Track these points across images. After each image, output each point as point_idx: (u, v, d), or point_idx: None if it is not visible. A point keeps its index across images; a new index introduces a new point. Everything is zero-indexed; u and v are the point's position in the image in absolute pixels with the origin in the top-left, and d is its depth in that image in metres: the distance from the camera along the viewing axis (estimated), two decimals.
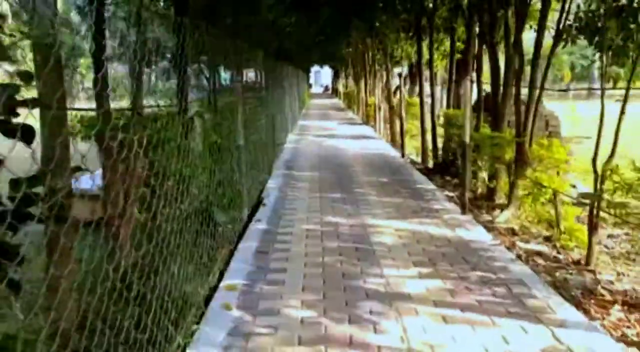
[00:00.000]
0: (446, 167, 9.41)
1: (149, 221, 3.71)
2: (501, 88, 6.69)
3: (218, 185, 5.28)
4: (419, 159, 12.14)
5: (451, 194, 7.51)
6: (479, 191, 7.81)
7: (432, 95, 10.20)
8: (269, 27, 13.52)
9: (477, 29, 8.00)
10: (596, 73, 55.70)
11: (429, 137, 10.71)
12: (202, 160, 5.52)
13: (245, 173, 5.92)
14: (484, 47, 7.35)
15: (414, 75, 19.65)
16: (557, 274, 4.26)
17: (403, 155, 10.63)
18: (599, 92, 4.71)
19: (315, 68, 57.19)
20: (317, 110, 27.95)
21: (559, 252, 4.86)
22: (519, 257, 4.56)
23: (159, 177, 4.22)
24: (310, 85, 59.25)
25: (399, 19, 11.44)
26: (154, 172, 4.23)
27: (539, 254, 4.72)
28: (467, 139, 5.84)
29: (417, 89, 18.57)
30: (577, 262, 4.58)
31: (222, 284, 3.85)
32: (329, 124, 18.80)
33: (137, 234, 3.70)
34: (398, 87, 23.86)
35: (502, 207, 6.51)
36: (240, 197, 5.68)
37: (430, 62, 9.91)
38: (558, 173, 6.40)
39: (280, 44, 16.16)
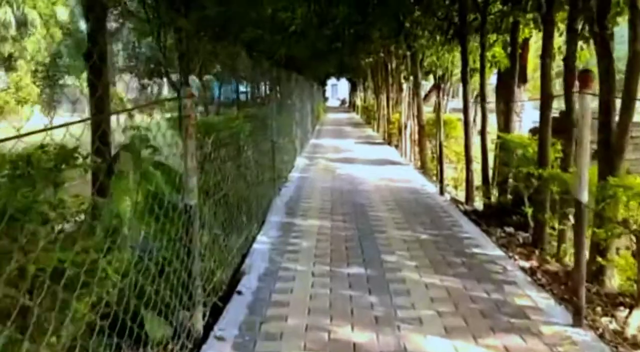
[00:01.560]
0: (504, 212, 6.93)
1: None
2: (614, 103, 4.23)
3: (145, 274, 2.92)
4: (458, 194, 9.66)
5: (526, 263, 5.03)
6: (563, 257, 5.32)
7: (484, 112, 7.75)
8: (271, 28, 11.29)
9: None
10: None
11: (474, 166, 8.26)
12: (122, 230, 3.17)
13: (202, 248, 3.54)
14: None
15: (440, 88, 17.23)
16: None
17: (442, 192, 8.16)
18: None
19: (332, 81, 55.05)
20: (333, 126, 25.63)
21: None
22: None
23: None
24: (326, 99, 57.19)
25: (435, 18, 9.06)
26: None
27: None
28: (585, 196, 3.36)
29: (443, 103, 16.14)
30: None
31: None
32: (346, 144, 16.40)
33: None
34: (426, 99, 21.43)
35: (624, 300, 4.02)
36: (186, 292, 3.28)
37: (481, 70, 7.47)
38: None
39: (288, 50, 13.91)
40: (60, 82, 24.67)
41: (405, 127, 13.46)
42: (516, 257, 5.20)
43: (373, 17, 9.97)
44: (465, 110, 8.10)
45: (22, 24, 31.41)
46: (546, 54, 5.17)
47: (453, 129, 11.57)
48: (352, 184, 8.97)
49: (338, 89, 64.69)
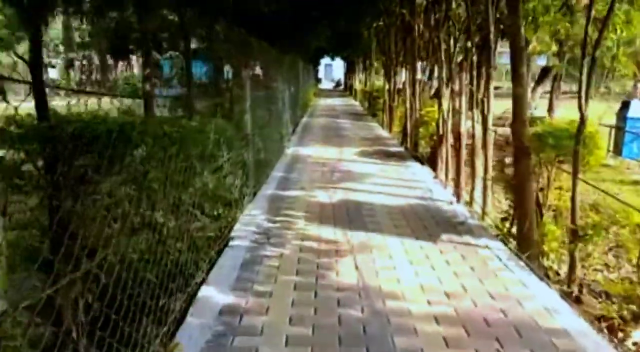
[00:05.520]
0: None
1: None
2: None
3: None
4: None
5: None
6: None
7: None
8: None
9: None
10: None
11: None
12: None
13: None
14: None
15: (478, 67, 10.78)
16: None
17: None
18: None
19: (326, 60, 48.22)
20: (325, 118, 19.06)
21: None
22: None
23: None
24: (319, 80, 50.61)
25: None
26: None
27: None
28: None
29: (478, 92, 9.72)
30: None
31: None
32: (344, 157, 9.96)
33: None
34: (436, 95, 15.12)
35: None
36: None
37: None
38: None
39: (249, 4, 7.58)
40: None
41: (459, 138, 7.00)
42: None
43: None
44: None
45: None
46: None
47: (588, 150, 5.15)
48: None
49: (333, 69, 57.96)
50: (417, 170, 8.64)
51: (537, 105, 11.79)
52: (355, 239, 4.94)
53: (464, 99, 6.52)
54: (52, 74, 32.02)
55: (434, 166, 9.10)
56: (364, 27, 16.58)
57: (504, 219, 5.37)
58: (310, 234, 5.08)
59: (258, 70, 8.12)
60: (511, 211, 5.80)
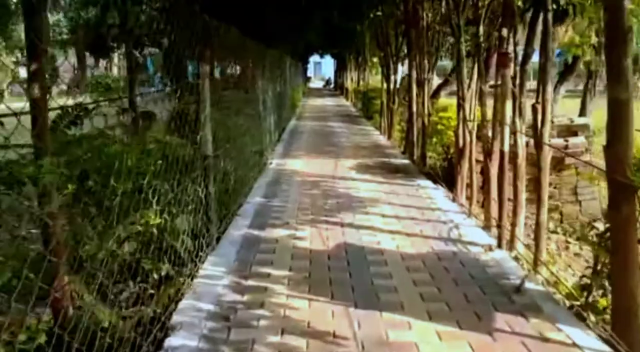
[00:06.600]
0: None
1: None
2: None
3: None
4: None
5: None
6: None
7: None
8: None
9: None
10: None
11: None
12: None
13: None
14: None
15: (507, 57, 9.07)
16: None
17: None
18: None
19: (315, 58, 46.37)
20: (315, 121, 17.21)
21: None
22: None
23: None
24: (308, 79, 48.77)
25: None
26: None
27: None
28: None
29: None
30: None
31: None
32: (339, 174, 8.16)
33: None
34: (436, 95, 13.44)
35: None
36: None
37: None
38: None
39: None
40: None
41: (500, 156, 5.21)
42: None
43: None
44: None
45: None
46: None
47: None
48: None
49: (322, 67, 56.16)
50: (432, 193, 6.88)
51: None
52: (365, 328, 3.16)
53: (509, 105, 4.75)
54: (24, 73, 29.86)
55: (449, 185, 7.36)
56: (359, 19, 14.81)
57: (584, 288, 3.65)
58: (294, 317, 3.29)
59: (228, 65, 6.32)
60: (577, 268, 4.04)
